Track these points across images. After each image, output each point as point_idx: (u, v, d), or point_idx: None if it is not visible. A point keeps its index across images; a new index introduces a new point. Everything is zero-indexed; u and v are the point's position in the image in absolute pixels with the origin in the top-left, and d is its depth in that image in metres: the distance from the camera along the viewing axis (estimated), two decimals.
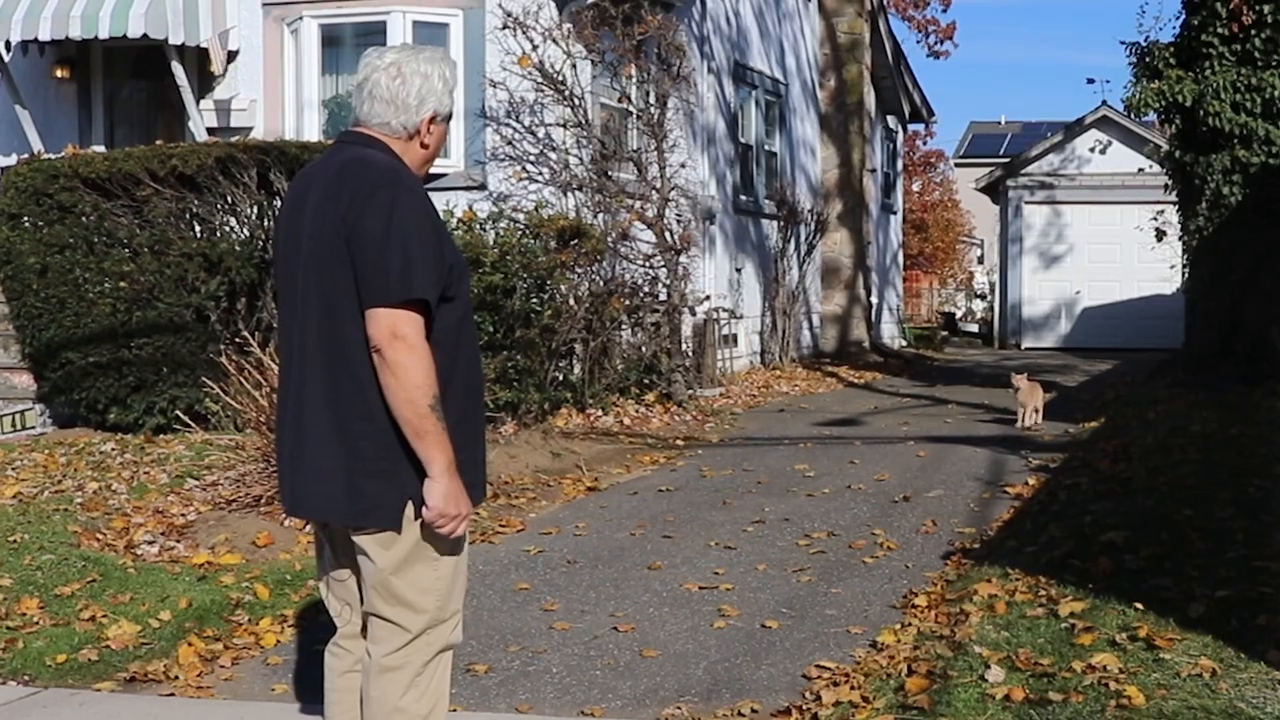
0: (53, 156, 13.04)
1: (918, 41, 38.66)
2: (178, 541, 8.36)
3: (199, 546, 8.26)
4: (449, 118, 4.20)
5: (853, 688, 5.82)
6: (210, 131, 15.03)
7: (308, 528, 8.72)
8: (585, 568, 8.17)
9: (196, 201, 12.08)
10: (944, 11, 38.53)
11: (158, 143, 12.84)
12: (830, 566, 8.14)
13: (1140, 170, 25.02)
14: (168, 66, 14.93)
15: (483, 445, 4.26)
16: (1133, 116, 20.37)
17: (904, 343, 28.34)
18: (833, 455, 12.13)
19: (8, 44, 15.04)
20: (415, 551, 4.04)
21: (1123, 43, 18.64)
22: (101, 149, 14.63)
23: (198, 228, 12.24)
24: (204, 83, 15.43)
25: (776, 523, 9.33)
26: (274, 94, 15.36)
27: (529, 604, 7.43)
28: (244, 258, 11.98)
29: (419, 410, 3.83)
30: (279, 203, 12.41)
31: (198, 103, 15.16)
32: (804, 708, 5.71)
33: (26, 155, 13.88)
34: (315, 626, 7.05)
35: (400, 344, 3.82)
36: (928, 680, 5.76)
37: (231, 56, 15.40)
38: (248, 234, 12.30)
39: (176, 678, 6.31)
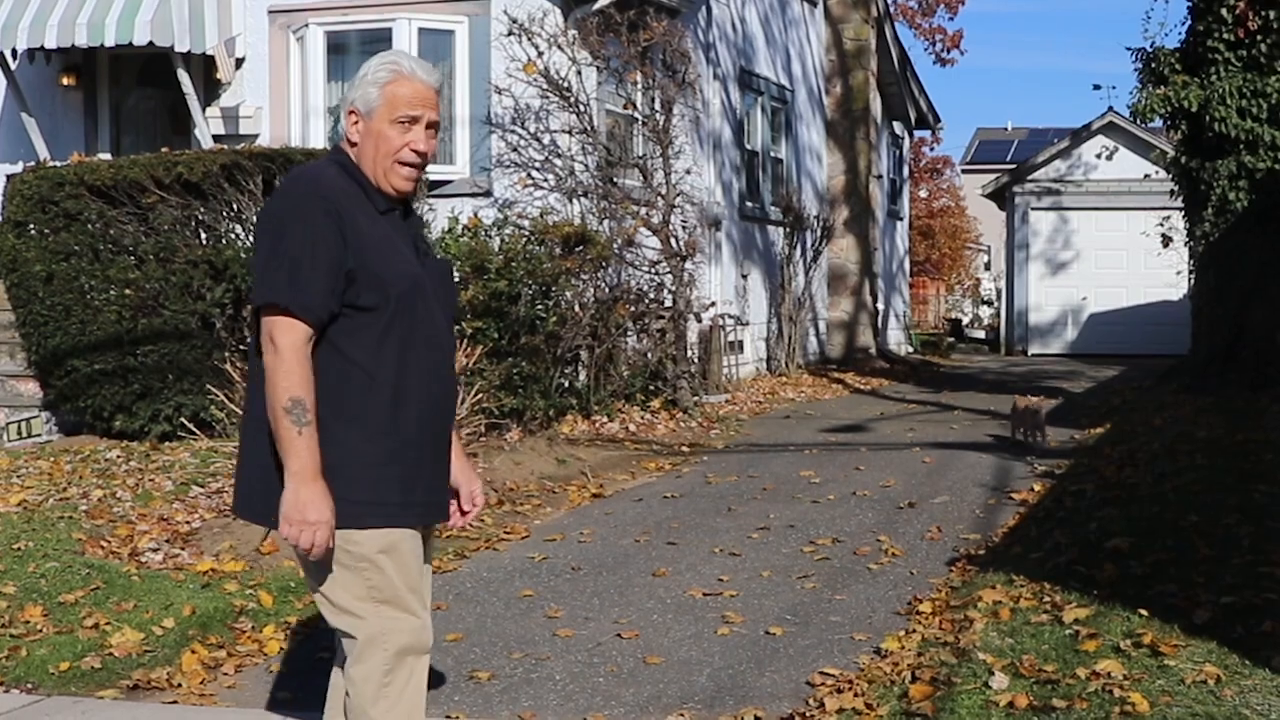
0: (59, 164, 13.06)
1: (925, 49, 38.67)
2: (182, 549, 8.36)
3: (203, 554, 8.25)
4: (369, 114, 3.99)
5: (856, 695, 5.80)
6: (216, 139, 15.04)
7: None
8: (589, 574, 8.16)
9: (202, 209, 12.08)
10: (951, 19, 38.67)
11: (163, 150, 12.85)
12: (835, 573, 8.13)
13: (1146, 176, 24.98)
14: (174, 74, 14.93)
15: (428, 466, 4.10)
16: (1139, 122, 20.35)
17: (910, 349, 28.32)
18: (838, 462, 12.11)
19: (14, 52, 15.04)
20: (333, 557, 3.99)
21: (1129, 49, 18.59)
22: (107, 156, 14.63)
23: (203, 235, 12.24)
24: (210, 90, 15.44)
25: (781, 529, 9.32)
26: (280, 101, 15.37)
27: (533, 611, 7.43)
28: (248, 265, 11.97)
29: (274, 413, 3.82)
30: None
31: (204, 110, 15.17)
32: (807, 715, 5.70)
33: (32, 163, 13.90)
34: (319, 634, 7.04)
35: (269, 347, 3.85)
36: (931, 687, 5.74)
37: (238, 64, 15.41)
38: (252, 241, 12.29)
39: (180, 685, 6.30)
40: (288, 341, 3.83)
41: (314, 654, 6.72)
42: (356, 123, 4.02)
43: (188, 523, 8.94)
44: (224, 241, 12.17)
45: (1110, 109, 27.80)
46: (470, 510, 4.35)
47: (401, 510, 4.01)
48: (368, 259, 3.89)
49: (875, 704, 5.67)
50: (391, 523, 4.00)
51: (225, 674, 6.46)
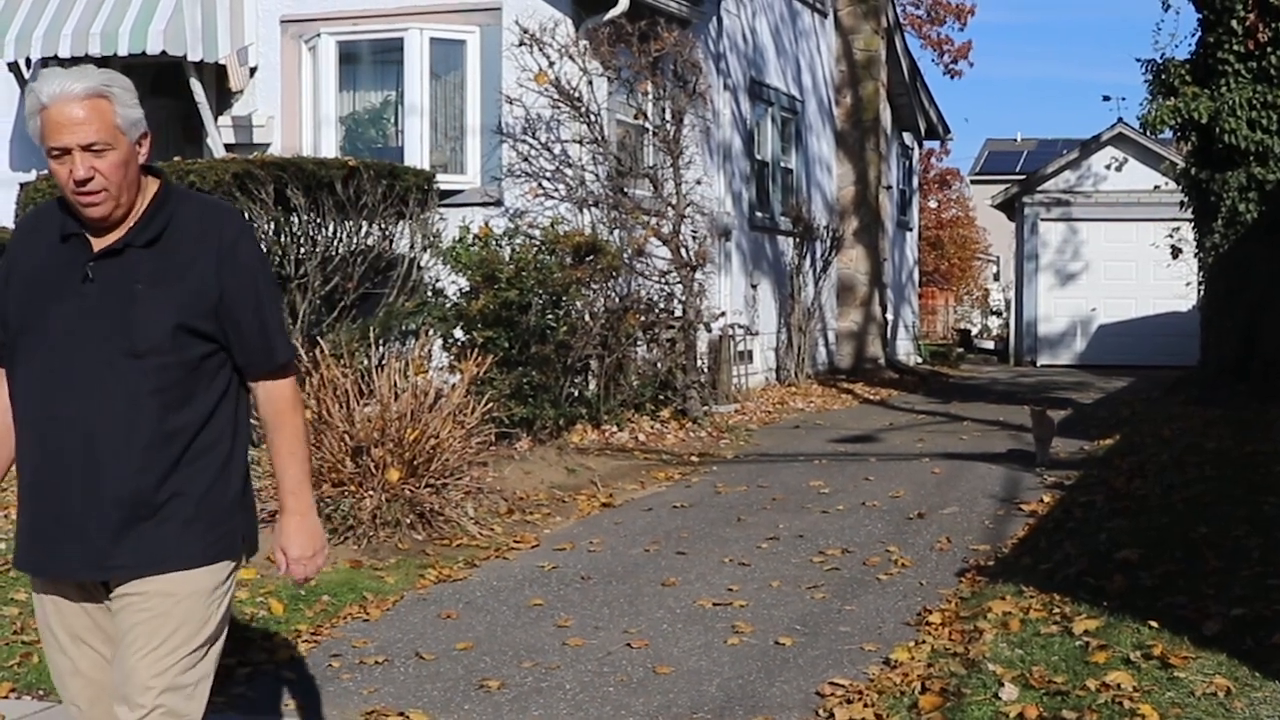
0: None
1: (934, 60, 38.60)
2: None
3: None
4: (43, 146, 3.67)
5: (866, 705, 5.82)
6: (228, 148, 15.06)
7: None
8: (599, 584, 8.18)
9: None
10: (960, 30, 38.56)
11: (176, 159, 12.86)
12: (844, 583, 8.14)
13: (1156, 187, 24.98)
14: (186, 83, 14.97)
15: (20, 523, 3.80)
16: (1148, 134, 20.36)
17: (920, 360, 28.29)
18: (848, 472, 12.11)
19: (28, 61, 15.07)
20: None
21: (1138, 60, 18.62)
22: None
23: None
24: (222, 99, 15.46)
25: (791, 539, 9.33)
26: (292, 110, 15.38)
27: (542, 620, 7.44)
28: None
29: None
30: (296, 218, 12.43)
31: (216, 119, 15.19)
32: None
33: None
34: (330, 643, 7.07)
35: None
36: (941, 698, 5.75)
37: (250, 73, 15.44)
38: (264, 249, 12.30)
39: None
40: None
41: (325, 662, 6.74)
42: None
43: None
44: None
45: (1120, 120, 27.77)
46: (284, 567, 3.93)
47: (17, 557, 3.84)
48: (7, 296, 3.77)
49: (885, 714, 5.69)
50: (19, 566, 3.86)
51: (237, 682, 6.46)
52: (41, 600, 3.84)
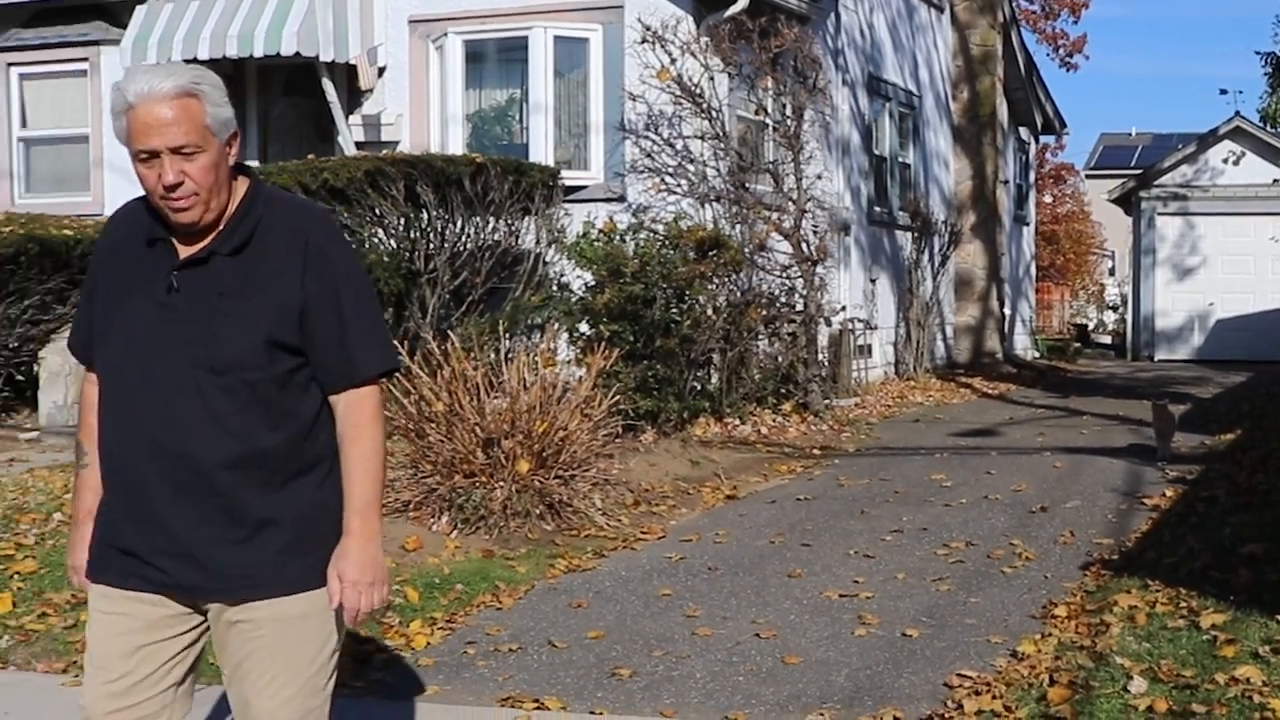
0: None
1: (1049, 54, 38.07)
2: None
3: None
4: (129, 148, 3.42)
5: (994, 697, 5.79)
6: (359, 146, 15.23)
7: (453, 534, 8.84)
8: (726, 575, 8.18)
9: (346, 214, 12.24)
10: (1074, 24, 38.04)
11: (309, 157, 13.05)
12: (969, 576, 8.10)
13: (1275, 181, 24.57)
14: (318, 83, 15.16)
15: (126, 523, 3.55)
16: (1267, 127, 20.05)
17: (1036, 354, 27.99)
18: (969, 466, 12.03)
19: (169, 63, 15.34)
20: None
21: (1258, 53, 18.39)
22: (255, 164, 14.90)
23: (347, 239, 12.38)
24: (352, 98, 15.63)
25: (914, 532, 9.28)
26: (420, 109, 15.52)
27: (671, 610, 7.46)
28: (391, 268, 12.14)
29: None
30: (425, 214, 12.55)
31: (347, 118, 15.36)
32: (946, 716, 5.70)
33: None
34: (464, 630, 7.13)
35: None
36: (1069, 690, 5.71)
37: (379, 73, 15.60)
38: (394, 245, 12.45)
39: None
40: (86, 383, 3.69)
41: (460, 649, 6.80)
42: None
43: None
44: (367, 246, 12.33)
45: (1237, 113, 27.31)
46: (337, 595, 3.52)
47: (91, 564, 3.62)
48: (86, 304, 3.65)
49: (1014, 706, 5.65)
50: (89, 576, 3.64)
51: (375, 668, 6.54)
52: (105, 617, 3.57)
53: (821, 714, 5.81)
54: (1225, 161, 26.73)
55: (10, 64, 17.07)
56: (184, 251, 3.45)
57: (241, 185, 3.51)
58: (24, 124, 17.16)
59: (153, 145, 3.32)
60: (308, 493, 3.50)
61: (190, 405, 3.39)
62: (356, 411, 3.52)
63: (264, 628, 3.48)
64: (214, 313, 3.40)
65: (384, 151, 13.87)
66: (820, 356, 15.65)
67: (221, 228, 3.45)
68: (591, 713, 5.95)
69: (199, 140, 3.33)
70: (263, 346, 3.39)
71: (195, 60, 15.08)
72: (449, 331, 10.79)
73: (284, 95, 16.62)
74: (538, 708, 6.00)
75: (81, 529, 3.65)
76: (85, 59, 16.67)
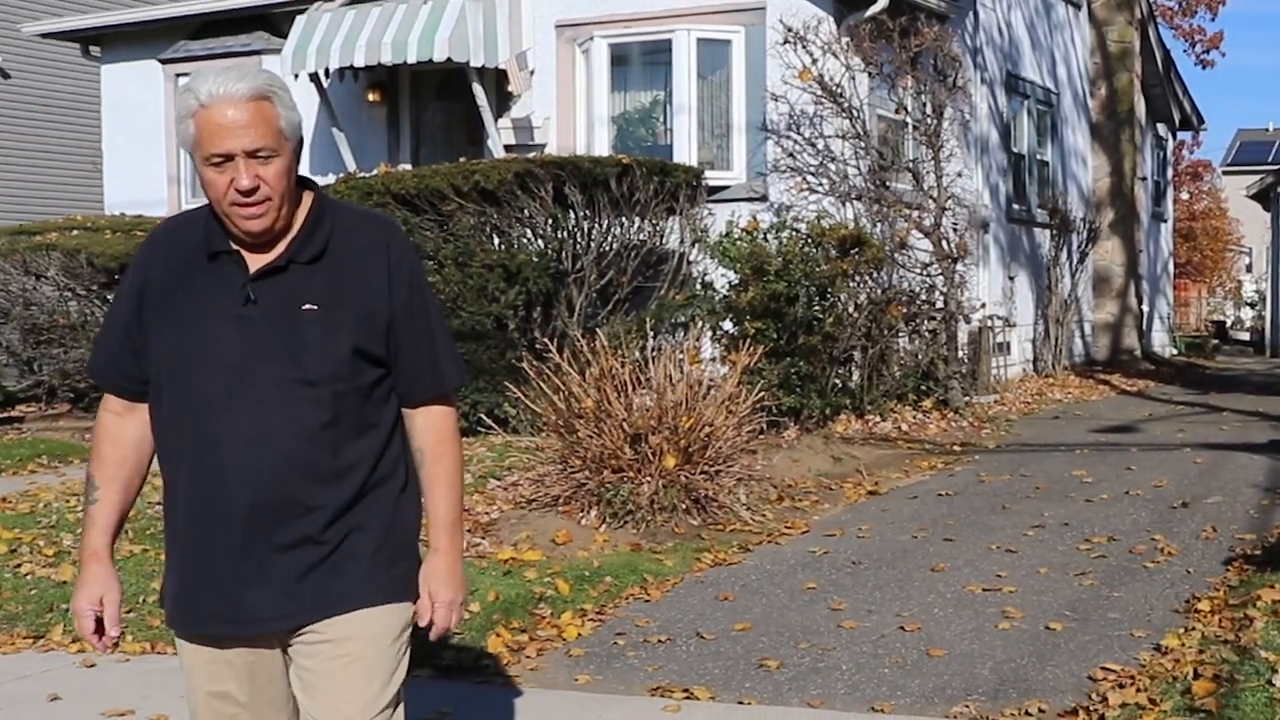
0: (366, 175, 13.44)
1: (1185, 50, 37.38)
2: (483, 538, 8.53)
3: (503, 543, 8.41)
4: (191, 156, 3.25)
5: (1139, 690, 5.72)
6: (507, 149, 15.31)
7: (601, 528, 8.84)
8: (869, 569, 8.12)
9: (496, 215, 12.31)
10: (1211, 20, 37.33)
11: (461, 160, 13.14)
12: (1111, 571, 7.96)
13: None
14: (468, 87, 15.26)
15: (171, 574, 3.35)
16: None
17: (1174, 351, 27.46)
18: (1109, 461, 11.81)
19: (326, 71, 15.54)
20: None
21: None
22: (408, 167, 15.04)
23: (496, 240, 12.46)
24: (501, 102, 15.71)
25: (1056, 527, 9.14)
26: (566, 111, 15.56)
27: (816, 603, 7.42)
28: (540, 268, 12.17)
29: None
30: (573, 215, 12.57)
31: (495, 121, 15.46)
32: (1091, 709, 5.63)
33: (343, 174, 14.32)
34: (615, 621, 7.14)
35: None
36: (1214, 684, 5.62)
37: (528, 77, 15.66)
38: (542, 245, 12.49)
39: (486, 666, 6.43)
40: (102, 411, 3.43)
41: (610, 640, 6.81)
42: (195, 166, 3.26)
43: (487, 514, 9.13)
44: (516, 246, 12.38)
45: None
46: (428, 617, 3.41)
47: (170, 614, 3.39)
48: (134, 330, 3.33)
49: (1158, 699, 5.57)
50: (170, 626, 3.42)
51: (528, 656, 6.58)
52: (193, 666, 3.37)
53: (966, 706, 5.77)
54: None
55: (178, 74, 17.45)
56: (255, 262, 3.23)
57: (306, 195, 3.32)
58: None
59: (226, 148, 3.12)
60: (388, 505, 3.33)
61: (280, 420, 3.18)
62: (439, 426, 3.39)
63: (348, 645, 3.28)
64: (300, 323, 3.19)
65: (532, 154, 13.93)
66: (960, 353, 15.45)
67: (294, 236, 3.25)
68: (740, 702, 5.97)
69: (274, 144, 3.15)
70: (350, 357, 3.22)
71: (352, 67, 15.31)
72: (596, 330, 10.80)
73: (435, 100, 16.77)
74: (687, 697, 6.02)
75: (89, 569, 3.34)
76: None
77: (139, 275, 3.33)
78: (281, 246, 3.24)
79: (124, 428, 3.36)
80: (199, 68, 16.96)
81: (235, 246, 3.25)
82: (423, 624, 3.39)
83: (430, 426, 3.38)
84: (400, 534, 3.36)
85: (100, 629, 3.34)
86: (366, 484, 3.28)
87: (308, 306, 3.20)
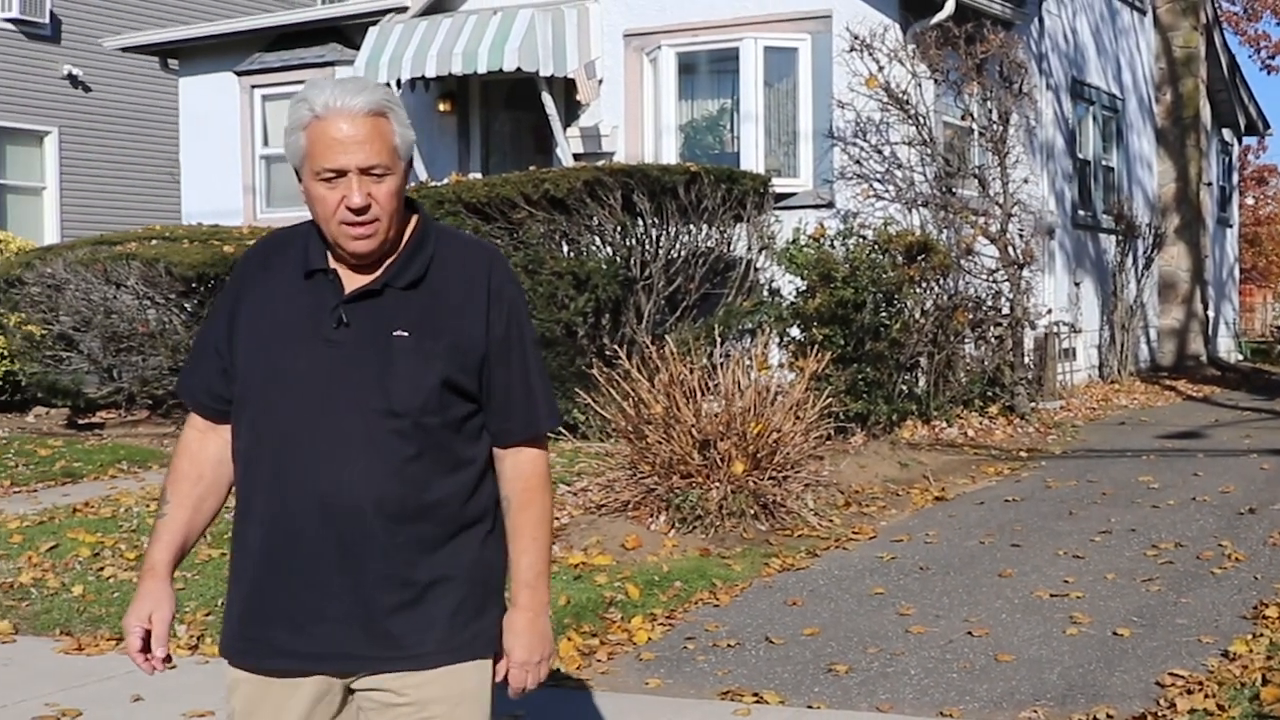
0: (438, 184, 13.50)
1: (1250, 55, 36.93)
2: (554, 543, 8.52)
3: (573, 548, 8.41)
4: (299, 169, 3.04)
5: (1207, 696, 5.68)
6: (575, 157, 15.34)
7: (671, 533, 8.82)
8: (937, 574, 8.08)
9: (565, 223, 12.32)
10: (1277, 25, 36.94)
11: (531, 168, 13.17)
12: (1178, 577, 7.89)
13: None
14: (537, 97, 15.30)
15: (237, 603, 3.13)
16: None
17: (1240, 357, 27.12)
18: (1175, 468, 11.69)
19: (398, 82, 15.61)
20: None
21: None
22: (478, 176, 15.08)
23: (566, 248, 12.48)
24: (570, 111, 15.74)
25: (1123, 533, 9.06)
26: (634, 120, 15.56)
27: (884, 608, 7.40)
28: (609, 275, 12.17)
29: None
30: (641, 223, 12.57)
31: (564, 130, 15.48)
32: (1159, 714, 5.59)
33: (415, 183, 14.38)
34: (684, 625, 7.12)
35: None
36: None
37: (596, 86, 15.68)
38: (611, 253, 12.49)
39: (557, 669, 6.42)
40: (187, 428, 3.24)
41: (680, 644, 6.81)
42: (299, 181, 3.08)
43: (557, 519, 9.11)
44: (585, 254, 12.39)
45: None
46: (502, 673, 3.15)
47: (231, 644, 3.14)
48: (225, 343, 3.14)
49: (1227, 706, 5.53)
50: (227, 657, 3.16)
51: (598, 660, 6.59)
52: (250, 703, 3.13)
53: (1035, 711, 5.75)
54: None
55: (254, 86, 17.63)
56: (352, 283, 3.04)
57: (410, 217, 3.11)
58: (265, 142, 17.68)
59: (341, 164, 2.92)
60: (474, 549, 3.08)
61: (362, 452, 2.97)
62: (530, 472, 3.13)
63: (433, 709, 3.04)
64: (390, 350, 2.98)
65: (601, 162, 13.94)
66: (1026, 359, 15.33)
67: (395, 259, 3.05)
68: (809, 706, 5.96)
69: (389, 162, 2.96)
70: (439, 389, 2.99)
71: (423, 78, 15.38)
72: (665, 336, 10.79)
73: (504, 109, 16.82)
74: (757, 701, 6.02)
75: (144, 584, 3.13)
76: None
77: (233, 292, 3.16)
78: (380, 269, 3.05)
79: (204, 445, 3.19)
80: (273, 79, 17.34)
81: (334, 266, 3.06)
82: (498, 680, 3.14)
83: (519, 471, 3.13)
84: (486, 581, 3.11)
85: (147, 647, 3.10)
86: (455, 524, 3.06)
87: (399, 333, 2.99)
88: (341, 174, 2.93)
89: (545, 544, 3.14)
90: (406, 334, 2.99)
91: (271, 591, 3.03)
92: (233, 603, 3.13)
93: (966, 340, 14.18)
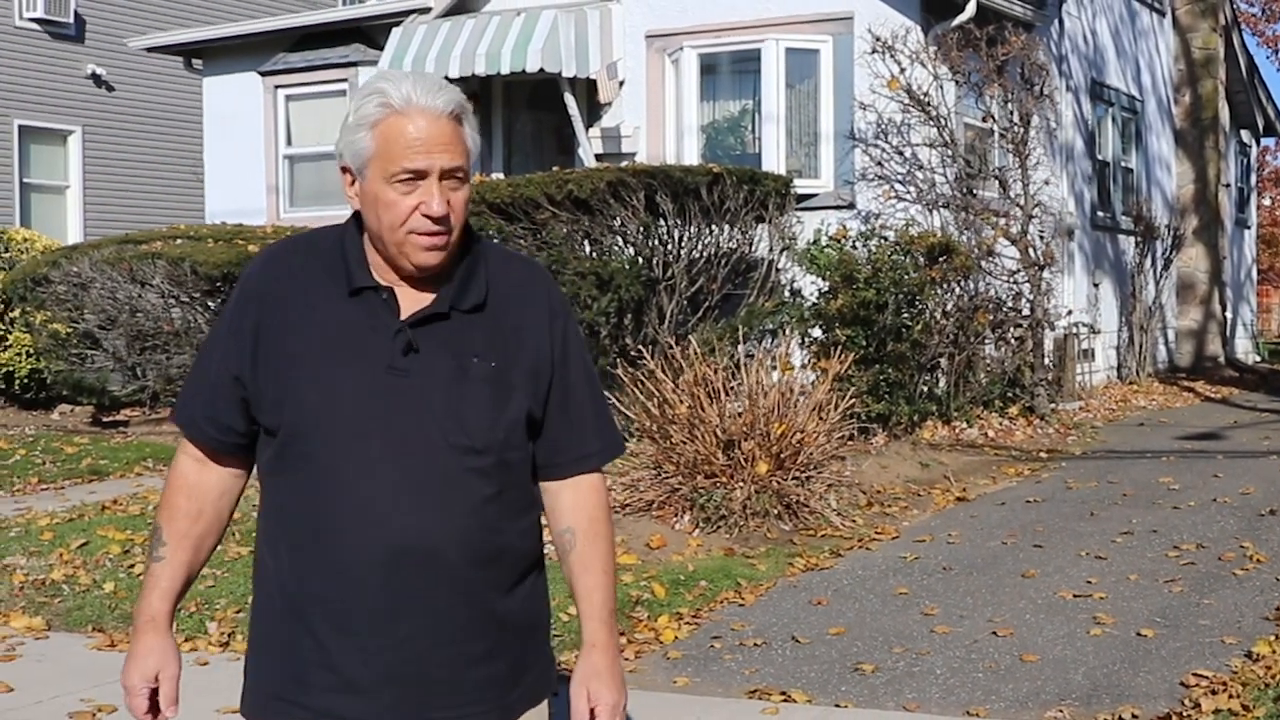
0: None
1: (1268, 57, 36.92)
2: None
3: None
4: (361, 169, 2.69)
5: (1231, 696, 5.70)
6: (597, 158, 15.36)
7: (695, 533, 8.84)
8: (960, 574, 8.10)
9: (589, 223, 12.35)
10: None
11: (553, 169, 13.20)
12: (1200, 578, 7.90)
13: None
14: (559, 97, 15.32)
15: (274, 661, 2.81)
16: None
17: (1258, 358, 27.06)
18: (1195, 469, 11.68)
19: None
20: None
21: None
22: (501, 176, 15.11)
23: (589, 248, 12.50)
24: (592, 111, 15.75)
25: (1144, 534, 9.06)
26: (656, 121, 15.58)
27: (909, 608, 7.42)
28: (632, 276, 12.20)
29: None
30: (663, 223, 12.59)
31: (586, 130, 15.50)
32: (1183, 714, 5.61)
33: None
34: (711, 625, 7.15)
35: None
36: None
37: (618, 87, 15.70)
38: (633, 253, 12.52)
39: None
40: (180, 457, 2.93)
41: (707, 643, 6.84)
42: (352, 182, 2.73)
43: None
44: (608, 254, 12.41)
45: None
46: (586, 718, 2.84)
47: (263, 705, 2.84)
48: (241, 365, 2.77)
49: (1251, 706, 5.55)
50: (241, 707, 2.90)
51: (626, 659, 6.59)
52: None
53: (1060, 711, 5.77)
54: None
55: (277, 86, 17.67)
56: (409, 305, 2.71)
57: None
58: (289, 142, 17.73)
59: (424, 164, 2.61)
60: (533, 592, 2.84)
61: (439, 492, 2.66)
62: (595, 502, 2.86)
63: None
64: (466, 380, 2.68)
65: (623, 163, 13.95)
66: (1046, 360, 15.32)
67: (454, 277, 2.74)
68: (836, 705, 6.00)
69: (468, 168, 2.68)
70: (523, 421, 2.73)
71: (446, 78, 15.36)
72: (687, 336, 10.81)
73: (526, 109, 16.84)
74: (785, 700, 6.05)
75: (144, 639, 2.83)
76: (344, 79, 17.15)
77: (253, 312, 2.75)
78: (435, 288, 2.73)
79: (204, 477, 2.86)
80: (297, 79, 17.38)
81: (384, 283, 2.73)
82: None
83: (582, 503, 2.85)
84: (541, 622, 2.89)
85: (154, 708, 2.84)
86: (521, 567, 2.81)
87: (479, 360, 2.70)
88: (421, 176, 2.62)
89: (614, 579, 2.91)
90: (491, 363, 2.70)
91: (316, 647, 2.71)
92: (259, 659, 2.83)
93: (987, 341, 14.18)
